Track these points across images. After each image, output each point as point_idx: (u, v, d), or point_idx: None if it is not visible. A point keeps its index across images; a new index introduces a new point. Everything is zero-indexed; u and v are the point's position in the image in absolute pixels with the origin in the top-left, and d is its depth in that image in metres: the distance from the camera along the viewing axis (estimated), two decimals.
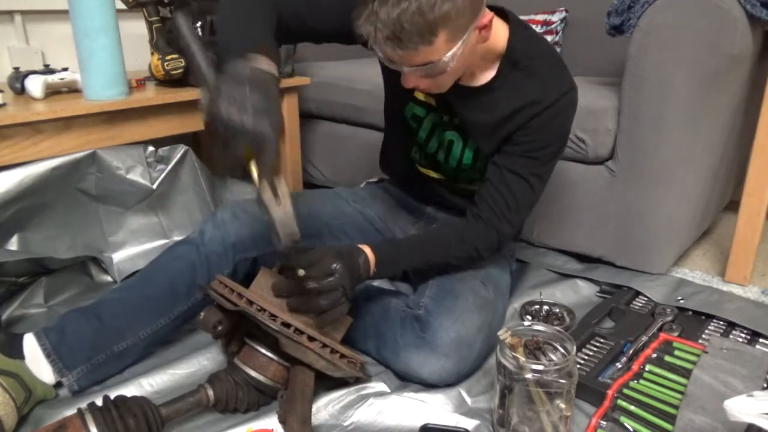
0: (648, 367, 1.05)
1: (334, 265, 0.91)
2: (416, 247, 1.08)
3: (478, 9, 0.88)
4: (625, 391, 0.98)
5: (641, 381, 1.02)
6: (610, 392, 0.97)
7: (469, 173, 1.18)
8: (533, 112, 1.02)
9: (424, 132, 1.18)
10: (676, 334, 1.15)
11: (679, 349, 1.09)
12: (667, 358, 1.07)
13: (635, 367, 1.05)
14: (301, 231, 0.90)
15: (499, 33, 1.01)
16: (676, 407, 0.93)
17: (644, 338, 1.14)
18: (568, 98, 1.03)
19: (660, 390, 0.99)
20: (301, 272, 0.90)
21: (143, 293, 1.06)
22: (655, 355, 1.08)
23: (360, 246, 1.00)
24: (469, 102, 1.07)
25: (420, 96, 1.15)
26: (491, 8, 0.98)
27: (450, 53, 0.87)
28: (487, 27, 0.92)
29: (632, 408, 0.95)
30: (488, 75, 1.05)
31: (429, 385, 1.02)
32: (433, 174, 1.24)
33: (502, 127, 1.05)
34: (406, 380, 1.04)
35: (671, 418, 0.92)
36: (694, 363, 1.03)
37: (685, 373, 1.01)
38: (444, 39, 0.85)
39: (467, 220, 1.10)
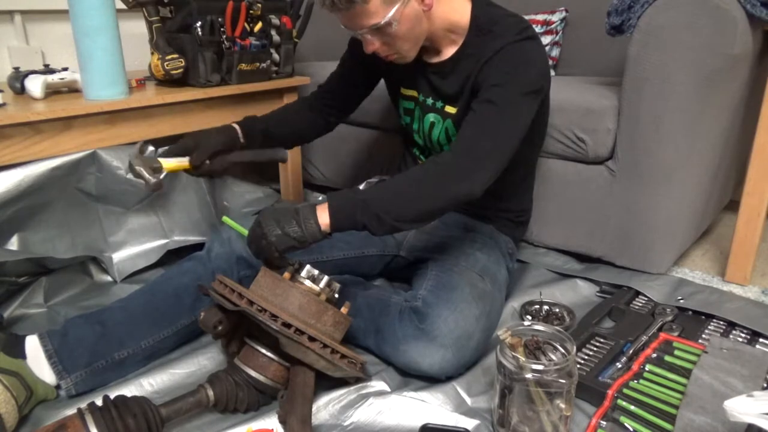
0: (648, 367, 1.05)
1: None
2: (383, 185, 1.01)
3: None
4: (625, 390, 0.98)
5: (641, 381, 1.02)
6: (610, 392, 0.97)
7: None
8: (487, 58, 1.07)
9: (416, 123, 1.26)
10: (676, 334, 1.15)
11: (679, 349, 1.09)
12: (667, 358, 1.07)
13: (635, 366, 1.05)
14: None
15: (462, 9, 1.11)
16: (676, 407, 0.93)
17: (644, 338, 1.14)
18: (523, 45, 1.06)
19: (660, 390, 0.99)
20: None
21: (148, 303, 1.08)
22: (655, 355, 1.08)
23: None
24: (445, 75, 1.16)
25: (406, 91, 1.26)
26: None
27: (391, 14, 1.00)
28: None
29: (632, 408, 0.95)
30: (456, 48, 1.14)
31: (429, 378, 1.02)
32: None
33: (469, 81, 1.12)
34: (407, 375, 1.04)
35: (671, 418, 0.92)
36: (694, 363, 1.03)
37: (685, 373, 1.01)
38: (378, 1, 0.98)
39: (441, 153, 1.06)
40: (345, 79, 1.34)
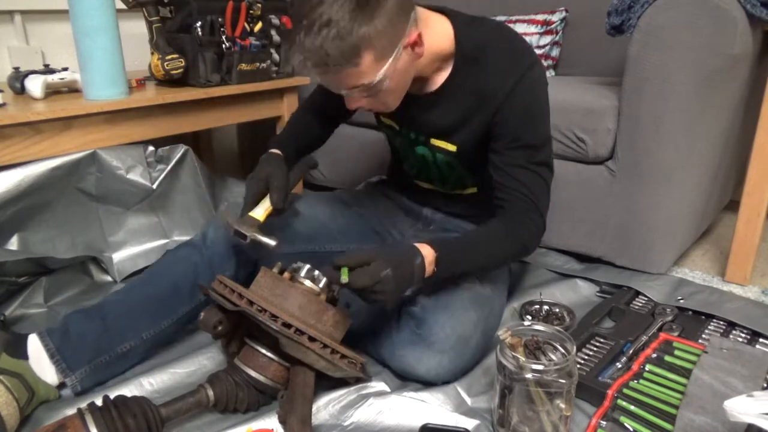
0: (648, 367, 1.05)
1: (384, 272, 0.88)
2: (474, 246, 1.03)
3: (402, 28, 0.90)
4: (625, 390, 0.98)
5: (641, 381, 1.02)
6: (610, 392, 0.97)
7: (455, 180, 1.19)
8: (497, 103, 1.01)
9: (401, 150, 1.23)
10: (676, 334, 1.15)
11: (680, 349, 1.09)
12: (667, 358, 1.07)
13: (635, 366, 1.05)
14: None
15: (445, 34, 1.02)
16: (676, 407, 0.93)
17: (644, 338, 1.14)
18: (528, 77, 1.01)
19: (660, 390, 0.99)
20: (344, 279, 0.88)
21: (147, 294, 1.07)
22: (655, 355, 1.08)
23: (417, 245, 0.95)
24: (432, 108, 1.08)
25: (386, 120, 1.18)
26: (431, 8, 1.03)
27: (381, 73, 0.91)
28: (418, 43, 0.94)
29: (632, 408, 0.95)
30: (443, 76, 1.06)
31: (427, 383, 1.02)
32: (427, 185, 1.27)
33: (471, 120, 1.05)
34: (405, 379, 1.04)
35: (671, 418, 0.92)
36: (694, 363, 1.03)
37: (686, 373, 1.01)
38: (370, 60, 0.88)
39: (505, 220, 1.05)
40: (327, 96, 1.21)
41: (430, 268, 0.95)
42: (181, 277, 1.08)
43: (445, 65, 1.05)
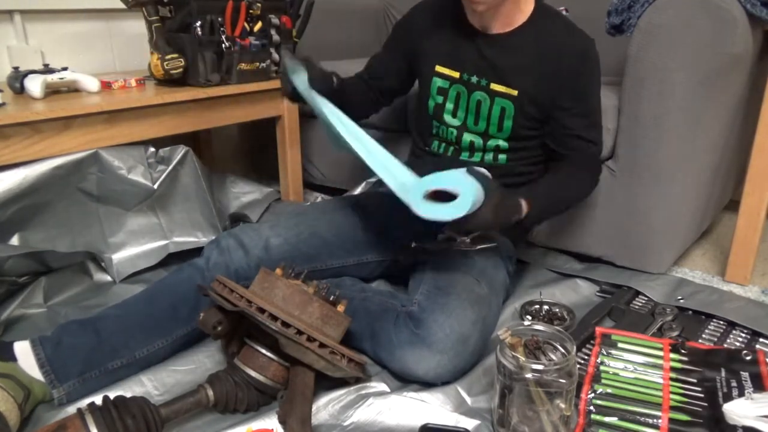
0: (602, 368, 1.03)
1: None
2: (553, 194, 1.18)
3: None
4: (595, 401, 0.96)
5: (602, 383, 1.00)
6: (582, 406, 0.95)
7: (499, 132, 1.24)
8: (563, 56, 1.16)
9: (450, 102, 1.26)
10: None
11: (621, 341, 1.10)
12: (614, 353, 1.07)
13: (590, 369, 1.03)
14: None
15: None
16: (649, 403, 0.93)
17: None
18: (593, 51, 1.18)
19: (627, 389, 0.98)
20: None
21: (144, 313, 1.06)
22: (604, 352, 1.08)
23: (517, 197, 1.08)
24: (503, 47, 1.20)
25: (442, 69, 1.26)
26: None
27: None
28: None
29: (606, 420, 0.92)
30: (516, 23, 1.19)
31: (426, 384, 1.02)
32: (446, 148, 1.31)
33: (535, 67, 1.17)
34: (405, 380, 1.04)
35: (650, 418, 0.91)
36: (641, 353, 1.05)
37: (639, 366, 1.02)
38: None
39: (571, 156, 1.22)
40: (384, 64, 1.39)
41: (524, 212, 1.08)
42: (181, 299, 1.07)
43: (519, 15, 1.18)
